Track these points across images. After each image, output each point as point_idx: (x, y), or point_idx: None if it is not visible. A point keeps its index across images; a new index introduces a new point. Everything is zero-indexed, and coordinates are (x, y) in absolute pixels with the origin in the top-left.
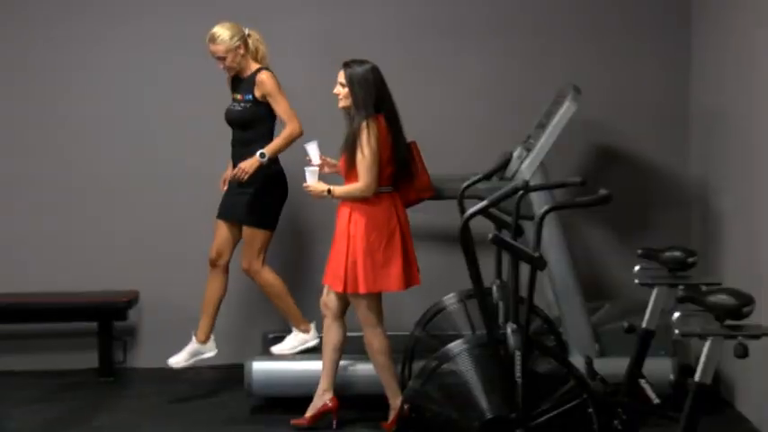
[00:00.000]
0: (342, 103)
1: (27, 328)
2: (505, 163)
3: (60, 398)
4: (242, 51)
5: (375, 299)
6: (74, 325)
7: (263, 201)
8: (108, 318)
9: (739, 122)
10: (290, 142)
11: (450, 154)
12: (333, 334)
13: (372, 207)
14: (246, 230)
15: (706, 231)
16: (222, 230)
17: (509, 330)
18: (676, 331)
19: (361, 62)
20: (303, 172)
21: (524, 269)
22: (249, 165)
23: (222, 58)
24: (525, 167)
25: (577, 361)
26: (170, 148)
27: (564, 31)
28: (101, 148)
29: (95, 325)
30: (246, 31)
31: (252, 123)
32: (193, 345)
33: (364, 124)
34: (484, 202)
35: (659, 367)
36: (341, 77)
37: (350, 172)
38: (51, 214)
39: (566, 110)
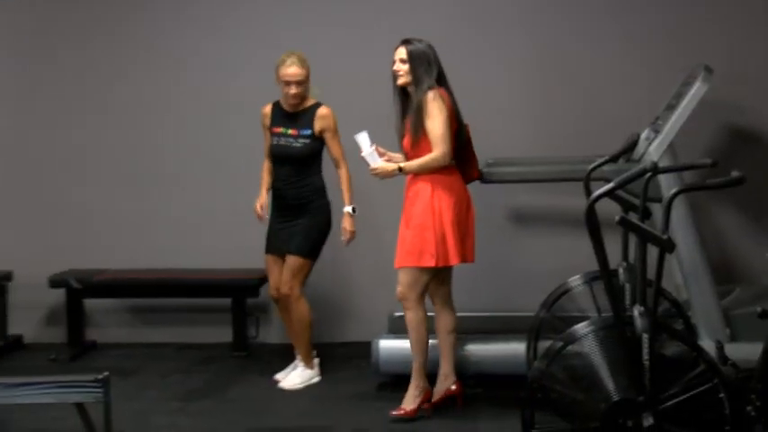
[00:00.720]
0: (402, 80)
1: (168, 303)
2: (632, 145)
3: (197, 370)
4: (309, 84)
5: (432, 274)
6: (210, 301)
7: (315, 232)
8: (241, 294)
9: None
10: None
11: (576, 136)
12: (445, 319)
13: (452, 180)
14: (297, 259)
15: None
16: (276, 266)
17: (636, 313)
18: None
19: (419, 40)
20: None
21: (652, 251)
22: (352, 224)
23: (300, 83)
24: (653, 149)
25: (707, 345)
26: None
27: (695, 9)
28: (234, 133)
29: (230, 301)
30: None
31: (310, 159)
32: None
33: (431, 95)
34: (611, 184)
35: None
36: (401, 54)
37: (417, 147)
38: (191, 197)
39: (696, 90)
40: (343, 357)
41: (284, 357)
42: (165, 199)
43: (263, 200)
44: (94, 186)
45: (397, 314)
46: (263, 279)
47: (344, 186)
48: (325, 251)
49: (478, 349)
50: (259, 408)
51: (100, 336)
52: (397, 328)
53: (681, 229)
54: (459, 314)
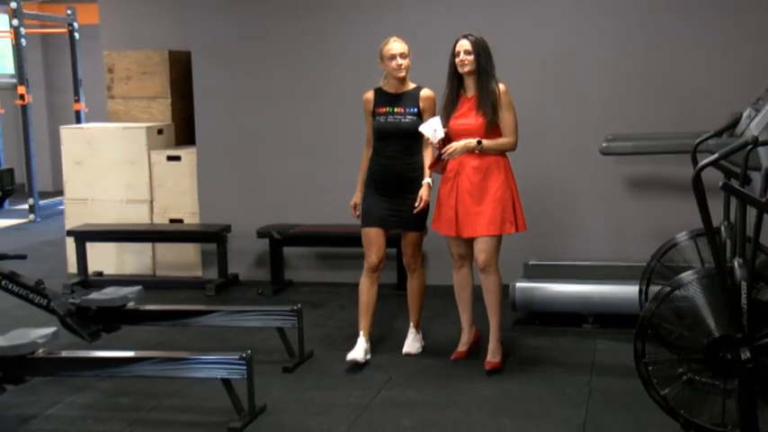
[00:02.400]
0: (467, 68)
1: (346, 251)
2: (735, 122)
3: None
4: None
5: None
6: None
7: (426, 207)
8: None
9: None
10: None
11: (684, 115)
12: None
13: (507, 158)
14: (419, 235)
15: None
16: (380, 238)
17: (736, 264)
18: None
19: (475, 34)
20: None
21: (750, 212)
22: (428, 193)
23: (406, 57)
24: (754, 125)
25: None
26: None
27: None
28: None
29: (394, 251)
30: None
31: (417, 134)
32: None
33: (504, 88)
34: (715, 155)
35: None
36: (467, 46)
37: (492, 131)
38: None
39: None
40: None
41: (435, 296)
42: (343, 168)
43: (358, 199)
44: (291, 159)
45: (532, 262)
46: None
47: (428, 162)
48: None
49: (598, 292)
50: None
51: (294, 276)
52: (531, 274)
53: None
54: (582, 263)
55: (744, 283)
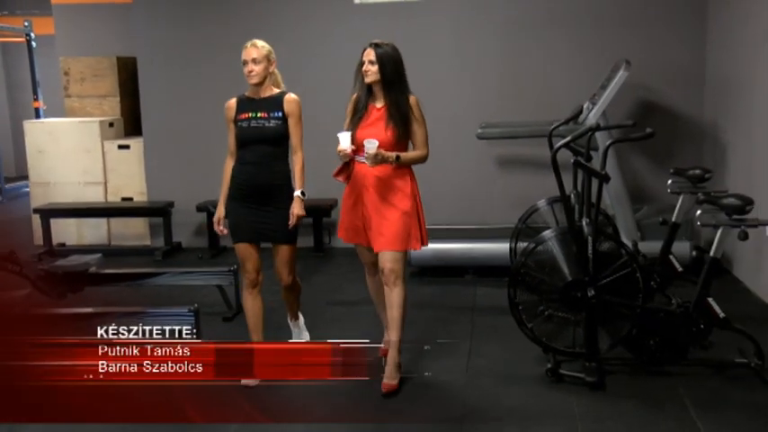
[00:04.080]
0: (370, 78)
1: None
2: (578, 113)
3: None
4: (270, 69)
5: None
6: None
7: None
8: (319, 215)
9: (742, 79)
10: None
11: (540, 107)
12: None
13: (413, 171)
14: (290, 249)
15: (715, 157)
16: (254, 252)
17: (584, 223)
18: (698, 223)
19: (387, 43)
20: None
21: (593, 183)
22: (301, 208)
23: (256, 62)
24: (592, 115)
25: (627, 243)
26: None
27: (612, 20)
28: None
29: (311, 219)
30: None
31: (283, 139)
32: None
33: (415, 100)
34: (568, 138)
35: (682, 248)
36: (371, 56)
37: (400, 143)
38: None
39: (620, 76)
40: None
41: (346, 257)
42: None
43: (222, 213)
44: (223, 146)
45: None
46: (332, 205)
47: (298, 171)
48: None
49: (476, 249)
50: (332, 288)
51: (228, 242)
52: None
53: (611, 168)
54: (464, 227)
55: (590, 238)
